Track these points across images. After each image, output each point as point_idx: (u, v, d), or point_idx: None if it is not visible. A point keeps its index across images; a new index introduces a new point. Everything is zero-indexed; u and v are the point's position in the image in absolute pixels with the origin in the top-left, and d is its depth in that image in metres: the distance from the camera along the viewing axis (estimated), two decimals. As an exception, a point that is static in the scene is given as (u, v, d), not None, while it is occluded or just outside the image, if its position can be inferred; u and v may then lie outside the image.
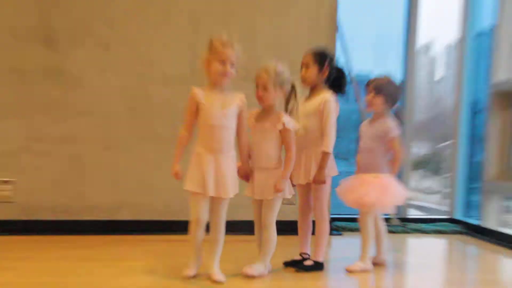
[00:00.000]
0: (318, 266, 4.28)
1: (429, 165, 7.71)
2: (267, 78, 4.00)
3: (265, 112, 4.08)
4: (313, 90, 4.30)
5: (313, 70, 4.27)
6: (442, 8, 6.52)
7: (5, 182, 5.30)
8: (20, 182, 5.32)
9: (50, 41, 5.34)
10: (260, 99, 4.04)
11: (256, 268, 4.08)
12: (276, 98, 4.03)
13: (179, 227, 5.30)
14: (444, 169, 7.57)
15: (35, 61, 5.32)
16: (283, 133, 4.03)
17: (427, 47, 7.77)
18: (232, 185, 3.94)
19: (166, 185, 5.34)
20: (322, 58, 4.29)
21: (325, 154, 4.17)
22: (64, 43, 5.35)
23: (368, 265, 4.34)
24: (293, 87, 4.05)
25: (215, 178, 3.92)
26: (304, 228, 4.43)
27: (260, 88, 4.02)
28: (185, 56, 5.43)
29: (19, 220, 5.32)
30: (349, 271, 4.29)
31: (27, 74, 5.31)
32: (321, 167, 4.18)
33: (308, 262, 4.28)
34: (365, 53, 6.46)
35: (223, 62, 3.91)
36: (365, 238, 4.37)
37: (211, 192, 3.89)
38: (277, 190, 3.99)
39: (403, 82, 6.42)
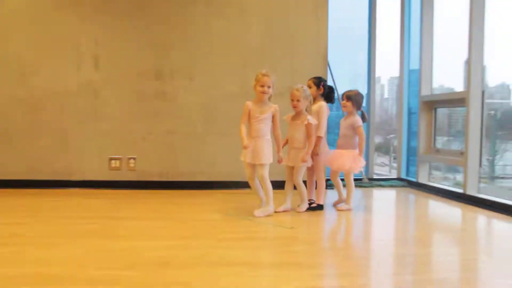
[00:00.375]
0: (320, 207, 4.32)
1: (382, 149, 7.62)
2: (299, 95, 4.06)
3: (297, 114, 4.13)
4: (314, 100, 4.32)
5: (313, 89, 4.33)
6: (387, 53, 6.51)
7: (132, 158, 5.36)
8: (139, 158, 5.38)
9: (159, 75, 5.40)
10: (295, 107, 4.10)
11: (301, 207, 4.16)
12: (304, 106, 4.07)
13: (233, 184, 5.42)
14: (391, 151, 7.50)
15: (149, 88, 5.38)
16: (307, 126, 4.08)
17: (379, 78, 7.73)
18: (264, 156, 3.92)
19: (228, 159, 5.38)
20: (318, 81, 4.38)
21: (319, 138, 4.22)
22: (166, 76, 5.40)
23: (351, 206, 4.33)
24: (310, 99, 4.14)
25: (253, 152, 3.93)
26: (312, 183, 4.41)
27: (295, 101, 4.07)
28: (237, 81, 5.43)
29: (139, 180, 5.38)
30: (339, 210, 4.29)
31: (145, 96, 5.38)
32: (317, 145, 4.22)
33: (314, 205, 4.31)
34: (343, 80, 6.40)
35: (262, 85, 3.94)
36: (348, 189, 4.35)
37: (249, 160, 3.92)
38: (303, 160, 4.08)
39: (367, 98, 6.39)
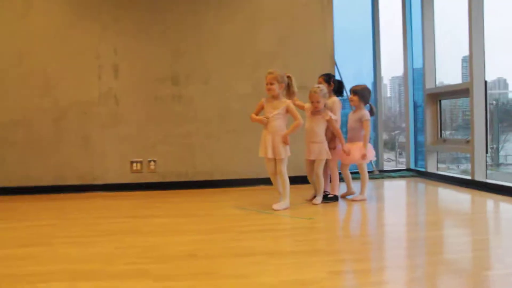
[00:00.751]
0: (335, 198, 4.31)
1: (387, 145, 7.59)
2: (318, 96, 4.05)
3: (317, 112, 4.10)
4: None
5: (324, 86, 4.29)
6: (388, 54, 6.52)
7: (152, 160, 5.39)
8: (159, 160, 5.40)
9: (175, 80, 5.42)
10: (315, 107, 4.07)
11: (317, 199, 4.14)
12: (323, 104, 4.07)
13: (249, 182, 5.42)
14: (396, 147, 7.49)
15: (166, 92, 5.41)
16: (330, 121, 4.09)
17: (382, 77, 7.75)
18: (281, 151, 3.91)
19: (244, 157, 5.40)
20: (328, 78, 4.38)
21: (333, 121, 4.17)
22: (182, 81, 5.42)
23: (365, 196, 4.30)
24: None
25: (271, 148, 3.93)
26: (326, 176, 4.37)
27: (315, 102, 4.05)
28: (250, 83, 5.44)
29: (159, 182, 5.39)
30: (354, 201, 4.27)
31: (162, 100, 5.40)
32: (332, 138, 4.24)
33: (330, 195, 4.29)
34: (350, 79, 6.39)
35: (266, 83, 3.93)
36: (363, 180, 4.31)
37: (269, 155, 3.92)
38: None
39: (374, 96, 6.39)
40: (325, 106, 4.11)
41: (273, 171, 4.03)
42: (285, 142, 3.91)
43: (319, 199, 4.18)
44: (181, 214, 3.94)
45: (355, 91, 4.32)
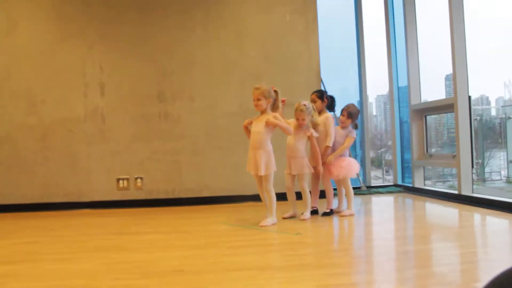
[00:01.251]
0: (332, 212, 4.34)
1: (374, 163, 7.64)
2: (304, 114, 4.09)
3: (300, 129, 4.14)
4: (319, 112, 4.36)
5: (318, 103, 4.36)
6: (372, 73, 6.62)
7: (139, 178, 5.35)
8: (146, 177, 5.36)
9: (162, 98, 5.42)
10: (300, 124, 4.11)
11: (305, 215, 4.15)
12: (308, 121, 4.11)
13: (237, 199, 5.40)
14: (383, 164, 7.54)
15: (153, 110, 5.41)
16: (310, 138, 4.14)
17: (367, 96, 7.85)
18: (264, 167, 3.89)
19: (231, 173, 5.42)
20: (321, 94, 4.42)
21: (327, 147, 4.27)
22: (169, 98, 5.42)
23: (353, 211, 4.31)
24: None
25: (254, 164, 3.94)
26: (317, 191, 4.44)
27: (300, 119, 4.09)
28: (236, 101, 5.48)
29: (147, 199, 5.35)
30: (342, 216, 4.26)
31: (149, 117, 5.39)
32: (324, 154, 4.28)
33: (327, 210, 4.32)
34: (336, 95, 6.44)
35: (254, 99, 3.95)
36: (348, 194, 4.33)
37: (252, 171, 3.96)
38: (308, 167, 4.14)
39: (361, 115, 6.45)
40: (313, 122, 4.15)
41: (260, 186, 4.02)
42: (269, 123, 3.86)
43: (307, 214, 4.17)
44: (169, 231, 3.89)
45: (350, 113, 4.36)
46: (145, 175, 5.36)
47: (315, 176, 4.36)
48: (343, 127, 4.42)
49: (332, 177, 4.36)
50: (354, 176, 4.56)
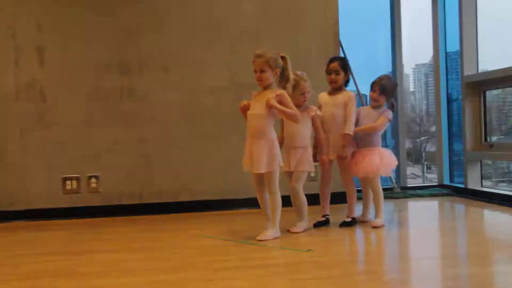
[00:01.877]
0: (354, 222, 4.35)
1: (411, 156, 7.65)
2: (308, 85, 4.16)
3: (301, 107, 4.16)
4: (338, 88, 4.36)
5: (341, 75, 4.33)
6: (410, 36, 6.58)
7: (94, 176, 5.32)
8: (104, 176, 5.34)
9: (124, 68, 5.38)
10: (303, 100, 4.16)
11: (300, 226, 4.16)
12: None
13: (227, 204, 5.37)
14: (423, 158, 7.54)
15: (113, 85, 5.36)
16: (315, 120, 4.20)
17: (402, 66, 7.85)
18: (264, 163, 3.90)
19: (217, 172, 5.40)
20: (346, 65, 4.40)
21: (348, 135, 4.27)
22: (134, 69, 5.39)
23: (383, 221, 4.31)
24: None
25: (251, 159, 3.95)
26: (326, 195, 4.45)
27: (306, 93, 4.16)
28: (226, 71, 5.43)
29: (104, 205, 5.32)
30: (374, 227, 4.24)
31: (107, 95, 5.35)
32: (345, 145, 4.27)
33: (347, 219, 4.33)
34: (360, 67, 6.42)
35: (255, 70, 3.92)
36: (377, 199, 4.32)
37: (249, 169, 3.99)
38: (342, 156, 4.27)
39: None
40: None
41: (259, 188, 4.00)
42: (269, 104, 3.84)
43: (301, 225, 4.18)
44: (134, 248, 3.86)
45: (383, 88, 4.33)
46: (102, 173, 5.32)
47: (324, 171, 4.36)
48: (374, 107, 4.39)
49: (357, 175, 4.35)
50: (389, 173, 4.53)
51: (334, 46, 5.50)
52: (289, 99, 3.92)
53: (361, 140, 4.37)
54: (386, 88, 4.35)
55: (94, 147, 5.33)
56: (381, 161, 4.27)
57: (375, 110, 4.39)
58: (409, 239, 3.98)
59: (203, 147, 5.41)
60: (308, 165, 4.16)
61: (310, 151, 4.19)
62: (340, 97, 4.32)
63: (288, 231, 4.13)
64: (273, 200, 3.93)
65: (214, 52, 5.45)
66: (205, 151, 5.41)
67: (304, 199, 4.18)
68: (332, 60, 4.41)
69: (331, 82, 4.33)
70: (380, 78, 4.40)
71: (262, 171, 3.86)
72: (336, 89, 4.36)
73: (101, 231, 4.55)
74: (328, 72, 4.35)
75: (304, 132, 4.17)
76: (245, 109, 3.97)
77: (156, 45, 5.40)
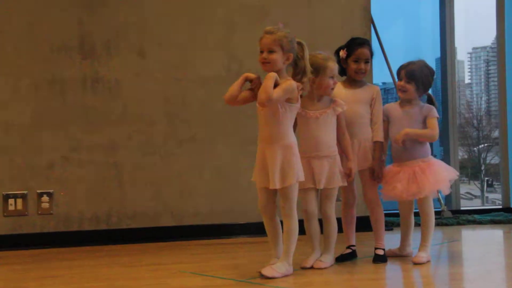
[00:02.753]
0: (385, 257, 4.34)
1: (466, 169, 7.64)
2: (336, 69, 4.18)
3: (322, 102, 4.20)
4: (358, 80, 4.39)
5: (370, 64, 4.39)
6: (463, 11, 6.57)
7: (46, 193, 5.31)
8: (59, 193, 5.32)
9: (88, 50, 5.39)
10: (333, 89, 4.19)
11: (326, 259, 4.16)
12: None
13: (225, 230, 5.35)
14: (482, 172, 7.51)
15: (71, 72, 5.37)
16: (340, 118, 4.22)
17: (455, 50, 7.86)
18: (282, 174, 3.90)
19: (209, 188, 5.41)
20: (372, 54, 4.45)
21: (379, 144, 4.30)
22: (100, 51, 5.40)
23: (429, 255, 4.29)
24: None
25: (263, 169, 3.96)
26: (351, 220, 4.45)
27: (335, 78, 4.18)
28: (220, 55, 5.47)
29: (59, 232, 5.32)
30: (417, 263, 4.22)
31: (64, 85, 5.36)
32: (377, 157, 4.30)
33: (380, 252, 4.32)
34: (395, 50, 6.43)
35: (261, 50, 3.90)
36: (427, 226, 4.32)
37: (261, 182, 3.98)
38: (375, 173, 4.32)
39: (441, 83, 6.44)
40: None
41: (265, 207, 3.99)
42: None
43: (327, 258, 4.17)
44: (98, 288, 3.82)
45: (411, 74, 4.31)
46: (58, 188, 5.31)
47: (348, 188, 4.34)
48: (403, 102, 4.37)
49: (401, 197, 4.30)
50: (446, 192, 4.48)
51: (363, 23, 5.56)
52: (292, 86, 3.87)
53: (404, 151, 4.33)
54: (416, 74, 4.30)
55: (46, 155, 5.31)
56: (438, 175, 4.25)
57: (404, 110, 4.36)
58: (464, 282, 3.98)
59: (190, 155, 5.42)
60: (340, 179, 4.15)
61: (338, 160, 4.17)
62: (363, 91, 4.33)
63: (304, 267, 4.10)
64: (288, 225, 3.90)
65: (206, 31, 5.47)
66: (193, 160, 5.42)
67: (335, 226, 4.19)
68: (359, 43, 4.39)
69: (359, 72, 4.33)
70: (408, 63, 4.39)
71: (276, 187, 3.84)
72: (356, 81, 4.37)
73: (54, 266, 4.51)
74: (356, 59, 4.33)
75: (329, 135, 4.14)
76: (255, 83, 3.92)
77: (129, 20, 5.41)
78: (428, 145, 4.37)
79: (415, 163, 4.29)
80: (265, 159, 3.90)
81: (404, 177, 4.27)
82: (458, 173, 4.42)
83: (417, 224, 4.49)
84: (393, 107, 4.43)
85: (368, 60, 4.34)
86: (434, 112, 4.34)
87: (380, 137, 4.28)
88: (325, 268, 4.09)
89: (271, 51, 3.85)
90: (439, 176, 4.25)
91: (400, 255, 4.42)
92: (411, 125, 4.31)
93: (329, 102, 4.17)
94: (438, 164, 4.34)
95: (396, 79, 4.47)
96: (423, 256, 4.23)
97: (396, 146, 4.34)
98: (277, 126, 3.88)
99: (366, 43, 4.42)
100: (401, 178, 4.28)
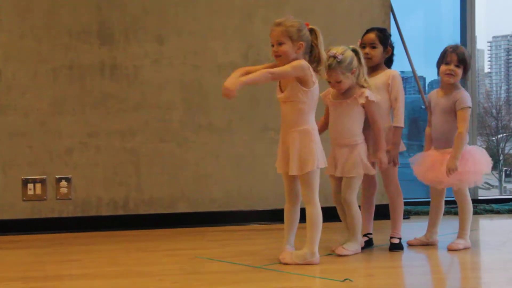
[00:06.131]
0: (401, 244, 4.36)
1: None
2: (337, 72, 4.10)
3: (344, 94, 4.21)
4: (374, 67, 4.39)
5: (379, 50, 4.36)
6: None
7: (64, 178, 5.33)
8: (77, 178, 5.35)
9: (106, 37, 5.40)
10: (338, 89, 4.19)
11: (350, 247, 4.17)
12: (350, 80, 4.17)
13: (241, 217, 5.37)
14: (501, 162, 7.48)
15: (89, 58, 5.38)
16: (368, 106, 4.19)
17: (475, 38, 7.80)
18: (300, 161, 3.91)
19: (224, 175, 5.41)
20: (386, 38, 4.43)
21: (399, 129, 4.28)
22: (119, 38, 5.40)
23: (469, 242, 4.33)
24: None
25: (283, 156, 4.00)
26: (369, 209, 4.49)
27: (334, 81, 4.15)
28: (239, 43, 5.46)
29: (77, 216, 5.35)
30: (452, 249, 4.26)
31: (82, 72, 5.37)
32: (395, 143, 4.28)
33: (395, 240, 4.34)
34: (414, 40, 6.40)
35: (272, 43, 3.91)
36: (465, 214, 4.34)
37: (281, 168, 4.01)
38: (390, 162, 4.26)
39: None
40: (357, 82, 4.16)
41: (292, 195, 4.02)
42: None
43: (351, 246, 4.19)
44: (115, 273, 3.85)
45: (462, 58, 4.27)
46: (75, 174, 5.34)
47: (369, 177, 4.34)
48: (444, 90, 4.33)
49: (441, 184, 4.33)
50: (480, 182, 4.50)
51: (382, 11, 5.53)
52: (295, 67, 3.85)
53: (439, 138, 4.35)
54: (466, 58, 4.28)
55: (64, 141, 5.34)
56: (476, 165, 4.26)
57: (444, 97, 4.32)
58: (481, 271, 4.01)
59: (207, 143, 5.43)
60: (362, 167, 4.14)
61: (362, 149, 4.16)
62: (379, 78, 4.33)
63: (333, 251, 4.15)
64: (309, 212, 3.91)
65: (223, 18, 5.47)
66: (211, 147, 5.43)
67: (358, 214, 4.20)
68: (367, 30, 4.44)
69: (366, 58, 4.32)
70: (455, 46, 4.35)
71: (294, 173, 3.87)
72: (373, 68, 4.37)
73: (72, 251, 4.54)
74: (362, 45, 4.36)
75: (351, 123, 4.15)
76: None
77: (147, 7, 5.41)
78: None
79: (447, 153, 4.28)
80: (286, 145, 3.93)
81: (432, 166, 4.29)
82: (491, 164, 4.40)
83: (446, 213, 4.50)
84: (433, 94, 4.42)
85: (374, 45, 4.34)
86: (466, 100, 4.26)
87: (399, 122, 4.27)
88: (346, 255, 4.11)
89: (280, 43, 3.85)
90: (475, 166, 4.25)
91: (426, 243, 4.43)
92: (448, 116, 4.30)
93: (353, 92, 4.15)
94: (473, 155, 4.30)
95: (440, 64, 4.36)
96: (459, 242, 4.29)
97: (437, 133, 4.33)
98: (294, 111, 3.89)
99: (374, 29, 4.43)
100: (433, 166, 4.29)
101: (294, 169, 3.85)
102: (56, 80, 5.34)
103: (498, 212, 5.84)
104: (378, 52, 4.36)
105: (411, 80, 5.89)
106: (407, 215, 5.52)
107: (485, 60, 7.49)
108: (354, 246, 4.19)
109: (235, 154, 5.35)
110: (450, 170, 4.16)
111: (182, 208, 5.42)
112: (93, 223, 5.32)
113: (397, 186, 4.39)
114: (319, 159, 3.87)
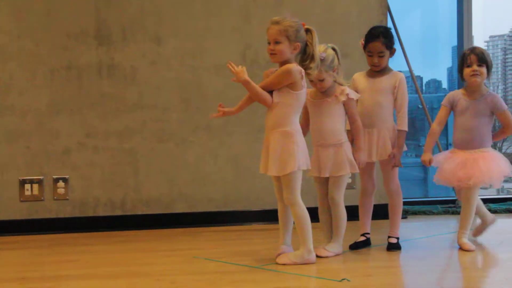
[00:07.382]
0: (399, 244, 4.36)
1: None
2: (321, 71, 4.07)
3: (324, 95, 4.19)
4: (382, 71, 4.37)
5: (386, 56, 4.34)
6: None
7: (61, 179, 5.33)
8: (75, 179, 5.34)
9: (104, 37, 5.39)
10: (320, 87, 4.16)
11: (332, 248, 4.16)
12: (331, 78, 4.16)
13: (239, 217, 5.37)
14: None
15: (87, 58, 5.37)
16: (347, 105, 4.17)
17: (472, 38, 7.82)
18: (283, 162, 3.91)
19: (222, 175, 5.42)
20: (391, 41, 4.37)
21: (403, 133, 4.29)
22: (116, 38, 5.40)
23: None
24: None
25: (265, 157, 4.01)
26: (368, 208, 4.47)
27: (316, 80, 4.12)
28: (236, 43, 5.45)
29: (75, 217, 5.34)
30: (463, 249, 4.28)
31: (80, 71, 5.36)
32: (400, 146, 4.30)
33: (393, 240, 4.35)
34: (411, 40, 6.40)
35: (268, 41, 3.92)
36: (469, 213, 4.33)
37: (267, 170, 4.00)
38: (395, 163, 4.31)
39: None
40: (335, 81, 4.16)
41: (281, 195, 4.01)
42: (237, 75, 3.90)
43: (333, 247, 4.18)
44: (113, 273, 3.86)
45: (482, 57, 4.24)
46: (73, 174, 5.33)
47: (366, 176, 4.37)
48: (475, 91, 4.28)
49: (459, 182, 4.31)
50: (498, 185, 4.53)
51: (380, 11, 5.51)
52: (296, 73, 3.86)
53: (464, 138, 4.32)
54: (485, 56, 4.26)
55: (62, 141, 5.33)
56: (499, 167, 4.27)
57: (471, 99, 4.28)
58: (478, 270, 4.00)
59: (205, 143, 5.43)
60: (348, 167, 4.13)
61: (347, 147, 4.16)
62: (385, 80, 4.31)
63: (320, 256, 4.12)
64: (294, 212, 3.93)
65: (221, 19, 5.47)
66: (208, 147, 5.43)
67: (343, 214, 4.19)
68: (372, 36, 4.32)
69: (373, 65, 4.32)
70: (473, 47, 4.35)
71: (273, 174, 3.88)
72: (378, 70, 4.35)
73: (70, 251, 4.55)
74: (369, 53, 4.33)
75: (334, 122, 4.14)
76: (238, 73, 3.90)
77: (145, 7, 5.41)
78: (489, 136, 4.34)
79: (476, 154, 4.28)
80: (268, 145, 3.93)
81: (463, 164, 4.26)
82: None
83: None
84: (459, 95, 4.34)
85: (382, 54, 4.29)
86: (501, 104, 4.29)
87: (403, 126, 4.27)
88: (328, 256, 4.10)
89: (277, 42, 3.86)
90: (498, 168, 4.26)
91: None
92: (478, 117, 4.27)
93: (333, 90, 4.15)
94: (495, 157, 4.32)
95: (461, 66, 4.32)
96: (464, 242, 4.30)
97: (468, 135, 4.29)
98: (279, 113, 3.90)
99: (380, 35, 4.31)
100: (461, 165, 4.26)
101: (273, 170, 3.87)
102: (54, 80, 5.33)
103: (495, 212, 5.83)
104: (385, 59, 4.33)
105: (408, 80, 5.87)
106: (404, 214, 5.52)
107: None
108: (336, 247, 4.18)
109: (233, 155, 5.36)
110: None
111: (180, 208, 5.42)
112: (90, 224, 5.32)
113: (397, 185, 4.39)
114: (300, 160, 3.87)
